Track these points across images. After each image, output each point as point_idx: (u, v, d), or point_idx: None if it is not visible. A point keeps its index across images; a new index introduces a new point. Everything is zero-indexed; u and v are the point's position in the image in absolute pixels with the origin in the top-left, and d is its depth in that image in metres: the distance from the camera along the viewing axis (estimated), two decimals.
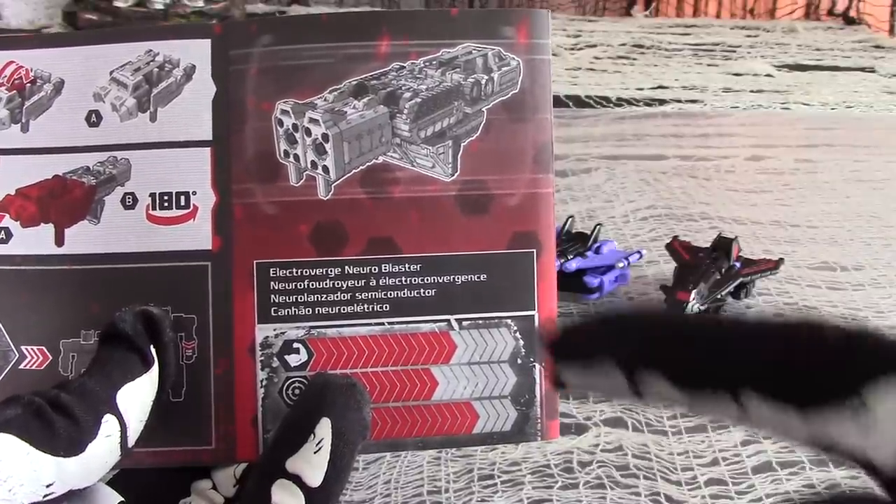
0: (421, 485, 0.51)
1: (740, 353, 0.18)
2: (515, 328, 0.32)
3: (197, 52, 0.33)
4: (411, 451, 0.51)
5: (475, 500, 0.49)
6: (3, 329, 0.32)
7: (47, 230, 0.32)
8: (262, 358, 0.31)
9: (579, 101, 1.33)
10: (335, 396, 0.28)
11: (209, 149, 0.32)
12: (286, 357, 0.31)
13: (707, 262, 0.71)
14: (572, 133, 1.19)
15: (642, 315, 0.20)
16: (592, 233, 0.76)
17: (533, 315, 0.32)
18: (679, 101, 1.35)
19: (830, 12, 2.02)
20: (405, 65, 0.32)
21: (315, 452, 0.27)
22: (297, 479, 0.27)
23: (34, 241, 0.32)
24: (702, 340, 0.18)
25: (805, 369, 0.17)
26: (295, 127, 0.32)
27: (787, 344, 0.17)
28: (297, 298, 0.32)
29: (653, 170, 1.06)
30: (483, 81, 0.32)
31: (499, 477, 0.51)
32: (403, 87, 0.32)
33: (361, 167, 0.32)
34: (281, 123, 0.32)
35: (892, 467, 0.15)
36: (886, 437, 0.15)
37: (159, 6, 1.59)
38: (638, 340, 0.19)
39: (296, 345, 0.32)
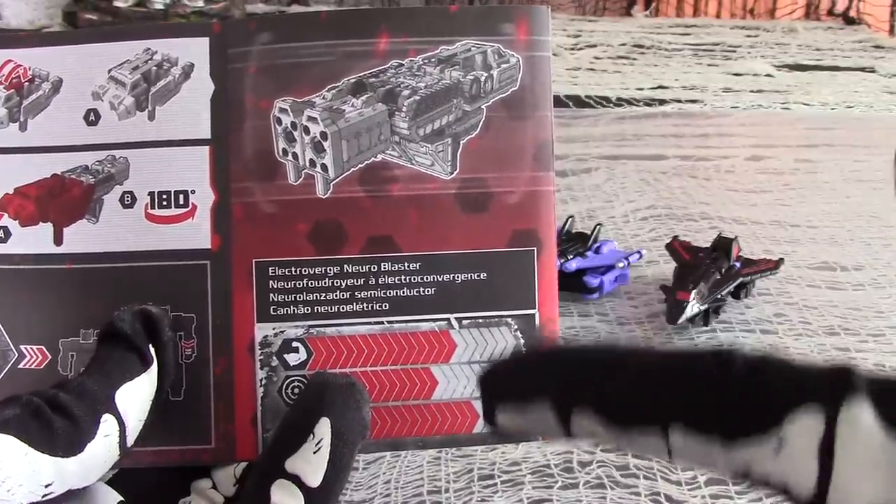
0: (421, 485, 0.50)
1: (667, 391, 0.18)
2: (516, 327, 0.32)
3: (195, 51, 0.33)
4: (411, 451, 0.51)
5: (475, 500, 0.49)
6: (2, 328, 0.32)
7: (46, 229, 0.32)
8: (262, 357, 0.31)
9: (579, 101, 1.33)
10: (334, 396, 0.28)
11: (208, 147, 0.32)
12: (285, 356, 0.31)
13: (707, 262, 0.70)
14: (572, 133, 1.19)
15: (572, 351, 0.20)
16: (592, 233, 0.76)
17: (533, 314, 0.32)
18: (679, 101, 1.35)
19: (830, 12, 2.02)
20: (404, 62, 0.32)
21: (314, 452, 0.27)
22: (296, 480, 0.26)
23: (33, 240, 0.32)
24: (631, 378, 0.19)
25: (726, 405, 0.17)
26: (293, 125, 0.32)
27: (706, 380, 0.18)
28: (296, 297, 0.32)
29: (653, 170, 1.06)
30: (482, 79, 0.32)
31: (499, 477, 0.51)
32: (402, 85, 0.32)
33: (360, 165, 0.32)
34: (279, 122, 0.32)
35: (808, 495, 0.16)
36: (802, 468, 0.16)
37: (159, 6, 1.59)
38: (569, 379, 0.19)
39: (295, 344, 0.31)
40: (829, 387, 0.16)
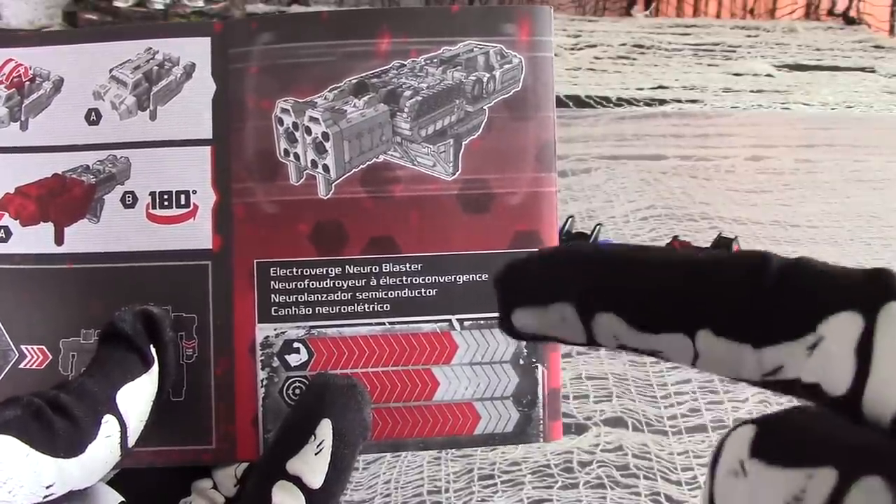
0: (421, 485, 0.50)
1: (698, 294, 0.17)
2: None
3: (197, 51, 0.33)
4: (411, 451, 0.51)
5: (475, 500, 0.49)
6: (2, 328, 0.32)
7: (47, 229, 0.32)
8: (263, 357, 0.31)
9: (579, 101, 1.33)
10: (336, 397, 0.28)
11: (209, 147, 0.32)
12: (286, 357, 0.31)
13: None
14: (572, 133, 1.19)
15: (596, 251, 0.19)
16: (592, 233, 0.76)
17: None
18: (679, 101, 1.35)
19: (830, 12, 2.02)
20: (406, 63, 0.32)
21: (316, 454, 0.27)
22: (297, 481, 0.26)
23: (34, 239, 0.32)
24: (658, 281, 0.18)
25: (759, 310, 0.17)
26: (295, 125, 0.32)
27: (737, 285, 0.17)
28: (297, 298, 0.31)
29: (653, 170, 1.06)
30: (485, 79, 0.32)
31: (499, 477, 0.51)
32: (404, 86, 0.32)
33: (362, 166, 0.32)
34: (281, 122, 0.32)
35: (841, 393, 0.16)
36: (838, 367, 0.16)
37: (159, 6, 1.59)
38: (593, 280, 0.19)
39: (296, 344, 0.31)
40: (867, 288, 0.16)
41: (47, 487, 0.25)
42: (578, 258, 0.19)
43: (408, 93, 0.32)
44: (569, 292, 0.19)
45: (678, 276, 0.18)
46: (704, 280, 0.17)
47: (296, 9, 1.91)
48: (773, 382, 0.17)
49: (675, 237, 0.78)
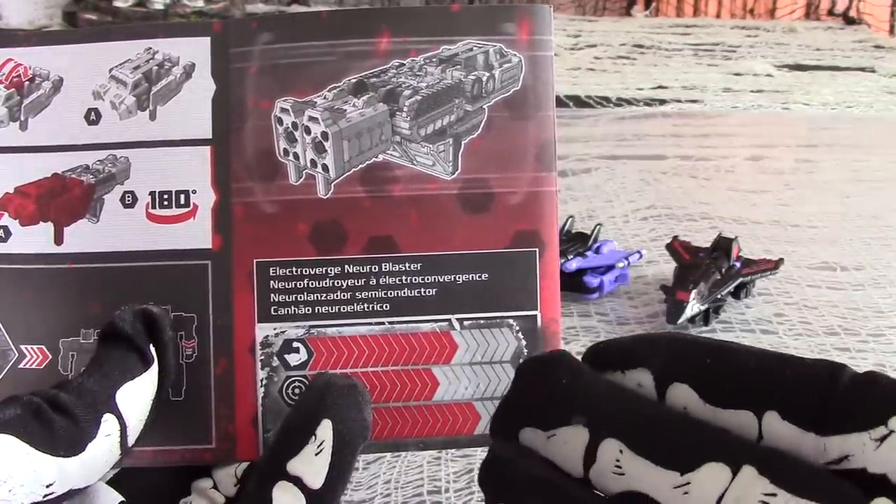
0: (421, 485, 0.50)
1: (773, 380, 0.19)
2: (517, 328, 0.32)
3: (197, 51, 0.33)
4: (412, 451, 0.51)
5: (475, 500, 0.49)
6: (2, 328, 0.32)
7: (46, 229, 0.32)
8: (262, 357, 0.31)
9: (579, 101, 1.33)
10: (336, 397, 0.28)
11: (209, 147, 0.32)
12: (286, 356, 0.31)
13: (707, 262, 0.71)
14: (572, 133, 1.19)
15: (680, 333, 0.21)
16: (592, 233, 0.76)
17: (535, 315, 0.32)
18: (679, 101, 1.35)
19: (830, 12, 2.02)
20: (405, 62, 0.32)
21: (316, 454, 0.27)
22: (297, 481, 0.26)
23: (33, 239, 0.32)
24: (736, 364, 0.19)
25: (832, 406, 0.18)
26: (294, 125, 0.32)
27: (814, 381, 0.19)
28: (296, 297, 0.31)
29: (653, 170, 1.06)
30: (484, 78, 0.32)
31: None
32: (403, 85, 0.32)
33: (361, 165, 0.32)
34: (280, 122, 0.32)
35: None
36: None
37: (159, 6, 1.59)
38: (678, 354, 0.20)
39: (296, 344, 0.31)
40: None
41: (47, 486, 0.25)
42: (663, 339, 0.21)
43: (407, 92, 0.32)
44: (651, 362, 0.21)
45: (757, 361, 0.19)
46: (782, 368, 0.19)
47: (296, 8, 1.91)
48: (836, 471, 0.18)
49: (675, 237, 0.78)
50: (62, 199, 0.32)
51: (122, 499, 0.29)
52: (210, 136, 0.32)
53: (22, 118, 0.33)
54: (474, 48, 0.32)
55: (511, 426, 0.22)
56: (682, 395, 0.20)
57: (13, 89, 0.33)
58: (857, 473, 0.17)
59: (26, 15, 1.68)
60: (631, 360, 0.21)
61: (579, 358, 0.22)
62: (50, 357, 0.31)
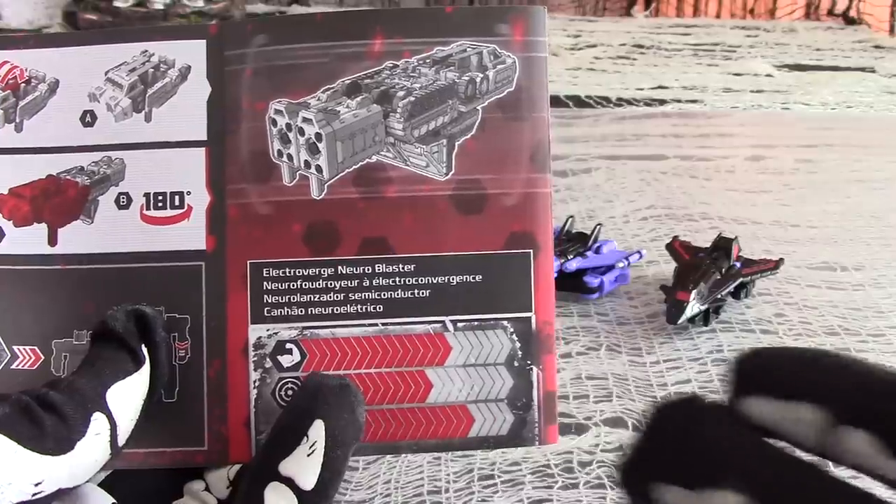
0: (421, 485, 0.50)
1: None
2: (512, 330, 0.32)
3: (192, 53, 0.33)
4: (404, 454, 0.51)
5: (475, 500, 0.49)
6: None
7: (40, 230, 0.32)
8: (255, 358, 0.31)
9: (579, 101, 1.33)
10: (329, 398, 0.28)
11: (204, 149, 0.32)
12: (279, 358, 0.31)
13: (707, 262, 0.70)
14: (572, 133, 1.19)
15: (856, 363, 0.18)
16: (592, 233, 0.76)
17: (530, 317, 0.32)
18: (679, 101, 1.34)
19: (830, 12, 2.02)
20: (399, 63, 0.32)
21: (308, 455, 0.27)
22: (290, 483, 0.26)
23: (27, 240, 0.32)
24: None
25: None
26: (288, 126, 0.32)
27: None
28: (290, 299, 0.31)
29: (653, 170, 1.06)
30: (478, 80, 0.32)
31: (499, 477, 0.51)
32: (397, 86, 0.32)
33: (355, 166, 0.32)
34: (275, 123, 0.32)
35: None
36: None
37: (159, 6, 1.59)
38: (861, 396, 0.17)
39: (289, 345, 0.31)
40: None
41: (35, 485, 0.24)
42: (835, 364, 0.18)
43: (401, 93, 0.32)
44: (824, 397, 0.17)
45: None
46: None
47: (295, 9, 1.91)
48: None
49: (675, 237, 0.78)
50: (56, 201, 0.32)
51: (114, 501, 0.29)
52: (205, 138, 0.32)
53: (17, 120, 0.33)
54: (468, 49, 0.32)
55: (643, 479, 0.19)
56: (859, 444, 0.16)
57: (9, 91, 0.33)
58: None
59: (26, 15, 1.68)
60: (797, 388, 0.18)
61: (733, 364, 0.19)
62: (42, 358, 0.31)
